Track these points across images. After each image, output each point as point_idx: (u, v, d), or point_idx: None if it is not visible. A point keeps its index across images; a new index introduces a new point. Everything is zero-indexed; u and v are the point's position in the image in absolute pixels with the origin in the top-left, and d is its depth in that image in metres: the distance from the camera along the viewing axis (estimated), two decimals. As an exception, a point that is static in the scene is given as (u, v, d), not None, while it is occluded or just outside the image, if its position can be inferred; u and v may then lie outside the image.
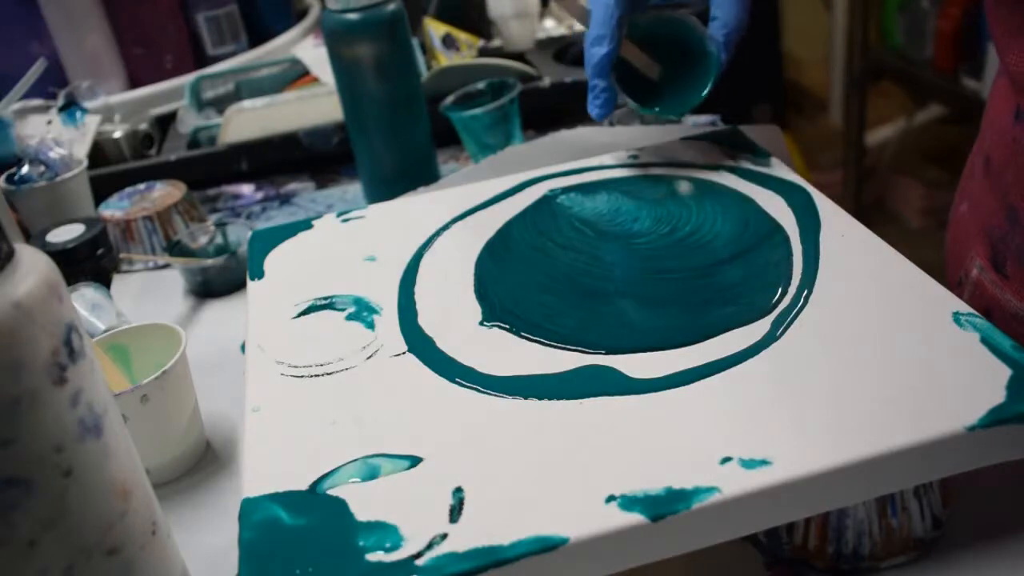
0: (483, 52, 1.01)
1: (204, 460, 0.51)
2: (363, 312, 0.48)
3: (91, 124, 0.88)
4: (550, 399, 0.39)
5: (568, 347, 0.42)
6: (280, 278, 0.52)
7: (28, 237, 0.74)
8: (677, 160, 0.58)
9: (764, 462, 0.34)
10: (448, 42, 0.97)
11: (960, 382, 0.37)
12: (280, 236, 0.57)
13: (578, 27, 1.05)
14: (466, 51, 0.98)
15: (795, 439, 0.35)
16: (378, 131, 0.72)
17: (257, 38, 1.11)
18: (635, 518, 0.33)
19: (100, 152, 0.89)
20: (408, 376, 0.42)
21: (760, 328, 0.42)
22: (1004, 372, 0.37)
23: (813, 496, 0.34)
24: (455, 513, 0.34)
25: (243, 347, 0.50)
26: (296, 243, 0.56)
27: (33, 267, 0.30)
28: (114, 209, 0.73)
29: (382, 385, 0.42)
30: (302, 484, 0.36)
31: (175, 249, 0.69)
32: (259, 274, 0.53)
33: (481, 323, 0.45)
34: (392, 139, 0.73)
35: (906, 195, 2.07)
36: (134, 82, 1.06)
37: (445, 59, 0.95)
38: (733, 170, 0.56)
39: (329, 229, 0.57)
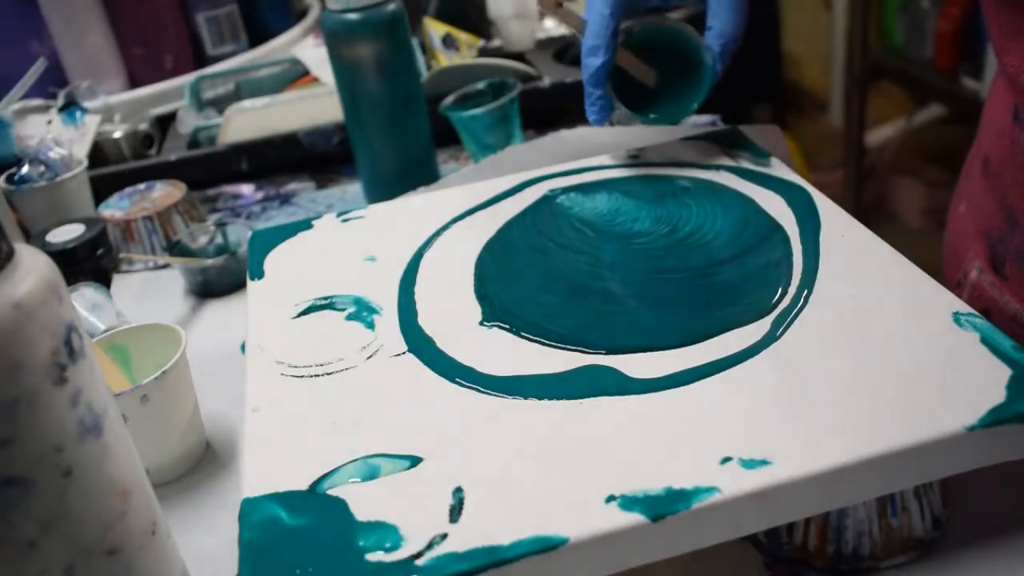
0: (483, 52, 1.01)
1: (204, 460, 0.51)
2: (363, 312, 0.48)
3: (91, 124, 0.88)
4: (550, 399, 0.39)
5: (568, 347, 0.42)
6: (280, 278, 0.52)
7: (28, 237, 0.74)
8: (677, 160, 0.58)
9: (764, 462, 0.34)
10: (448, 42, 0.97)
11: (960, 382, 0.37)
12: (280, 236, 0.57)
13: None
14: (466, 51, 0.98)
15: (795, 439, 0.35)
16: (378, 131, 0.72)
17: (257, 38, 1.11)
18: (635, 518, 0.33)
19: (100, 152, 0.89)
20: (408, 376, 0.42)
21: (760, 328, 0.42)
22: (1004, 372, 0.37)
23: (813, 496, 0.34)
24: (455, 513, 0.34)
25: (243, 347, 0.50)
26: (296, 243, 0.56)
27: (33, 267, 0.30)
28: (114, 209, 0.73)
29: (382, 385, 0.42)
30: (302, 484, 0.36)
31: (175, 249, 0.69)
32: (259, 274, 0.53)
33: (481, 323, 0.45)
34: (392, 139, 0.73)
35: (906, 195, 2.07)
36: (134, 82, 1.05)
37: (445, 59, 0.95)
38: (733, 170, 0.56)
39: (329, 229, 0.57)
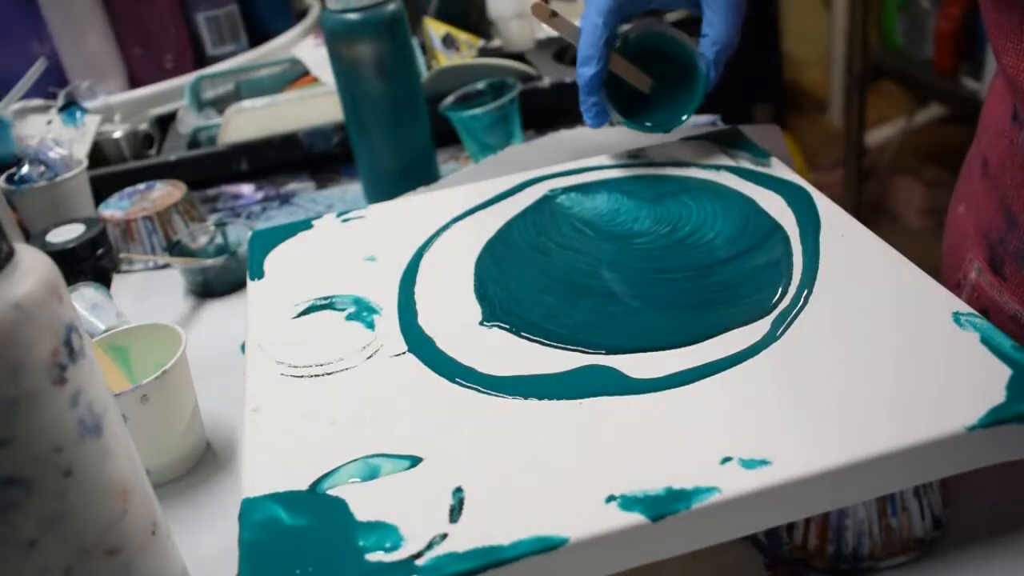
0: (483, 52, 1.01)
1: (204, 460, 0.51)
2: (363, 312, 0.48)
3: (91, 124, 0.88)
4: (550, 399, 0.39)
5: (568, 347, 0.42)
6: (280, 278, 0.52)
7: (28, 237, 0.74)
8: (677, 160, 0.58)
9: (764, 462, 0.34)
10: (448, 42, 0.97)
11: (960, 382, 0.37)
12: (280, 236, 0.57)
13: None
14: (466, 51, 0.98)
15: (795, 439, 0.35)
16: (378, 131, 0.72)
17: (257, 38, 1.11)
18: (635, 518, 0.33)
19: (100, 152, 0.89)
20: (408, 376, 0.42)
21: (760, 328, 0.42)
22: (1004, 372, 0.37)
23: (813, 496, 0.34)
24: (455, 513, 0.34)
25: (243, 347, 0.50)
26: (296, 243, 0.56)
27: (33, 267, 0.30)
28: (114, 209, 0.73)
29: (382, 385, 0.42)
30: (302, 484, 0.36)
31: (175, 249, 0.69)
32: (259, 274, 0.53)
33: (481, 323, 0.45)
34: (392, 139, 0.73)
35: (906, 195, 2.07)
36: (134, 82, 1.05)
37: (445, 59, 0.95)
38: (733, 170, 0.56)
39: (329, 229, 0.57)
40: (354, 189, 0.85)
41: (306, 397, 0.42)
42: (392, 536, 0.33)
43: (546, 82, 0.91)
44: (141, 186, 0.77)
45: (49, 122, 0.87)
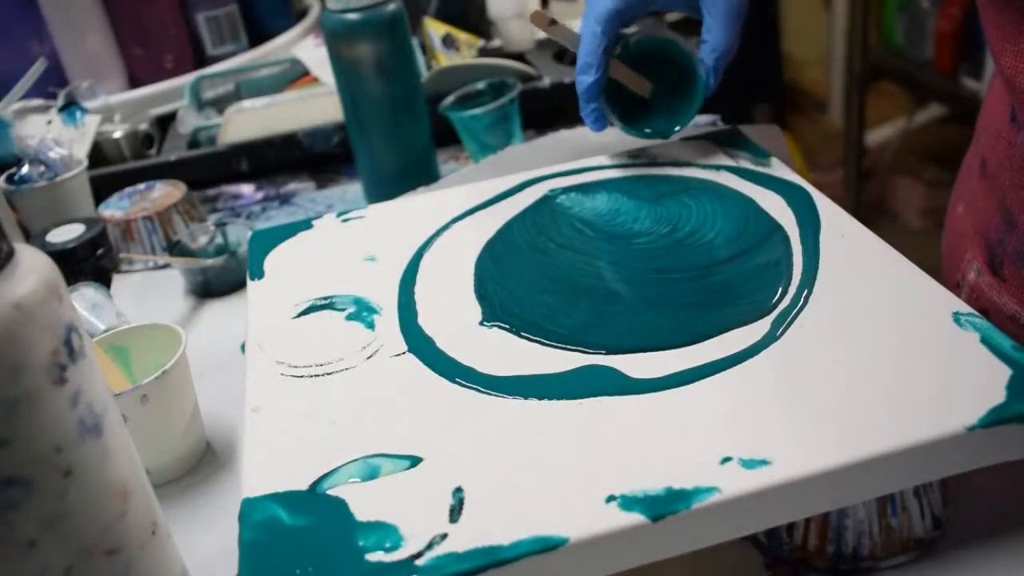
0: (483, 52, 1.01)
1: (204, 460, 0.51)
2: (363, 312, 0.48)
3: (91, 124, 0.88)
4: (550, 399, 0.39)
5: (568, 347, 0.42)
6: (280, 278, 0.52)
7: (28, 237, 0.74)
8: (677, 160, 0.59)
9: (764, 462, 0.34)
10: (448, 42, 0.97)
11: (960, 382, 0.37)
12: (280, 236, 0.57)
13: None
14: (466, 51, 0.98)
15: (795, 439, 0.35)
16: (378, 131, 0.72)
17: (257, 38, 1.11)
18: (635, 518, 0.33)
19: (100, 152, 0.89)
20: (408, 376, 0.42)
21: (760, 328, 0.42)
22: (1004, 372, 0.37)
23: (813, 496, 0.34)
24: (455, 513, 0.34)
25: (243, 347, 0.50)
26: (296, 243, 0.56)
27: (33, 267, 0.30)
28: (114, 209, 0.73)
29: (382, 385, 0.42)
30: (302, 484, 0.36)
31: (175, 249, 0.69)
32: (259, 274, 0.53)
33: (481, 323, 0.45)
34: (392, 139, 0.73)
35: (906, 195, 2.07)
36: (134, 82, 1.05)
37: (445, 59, 0.95)
38: (733, 170, 0.56)
39: (329, 229, 0.57)
40: (354, 189, 0.85)
41: (306, 397, 0.42)
42: (392, 536, 0.33)
43: (546, 82, 0.91)
44: (141, 186, 0.77)
45: (49, 122, 0.87)
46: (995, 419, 0.34)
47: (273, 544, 0.34)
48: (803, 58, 2.44)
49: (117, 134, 0.90)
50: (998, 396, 0.35)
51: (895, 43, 1.93)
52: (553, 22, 0.56)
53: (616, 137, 0.60)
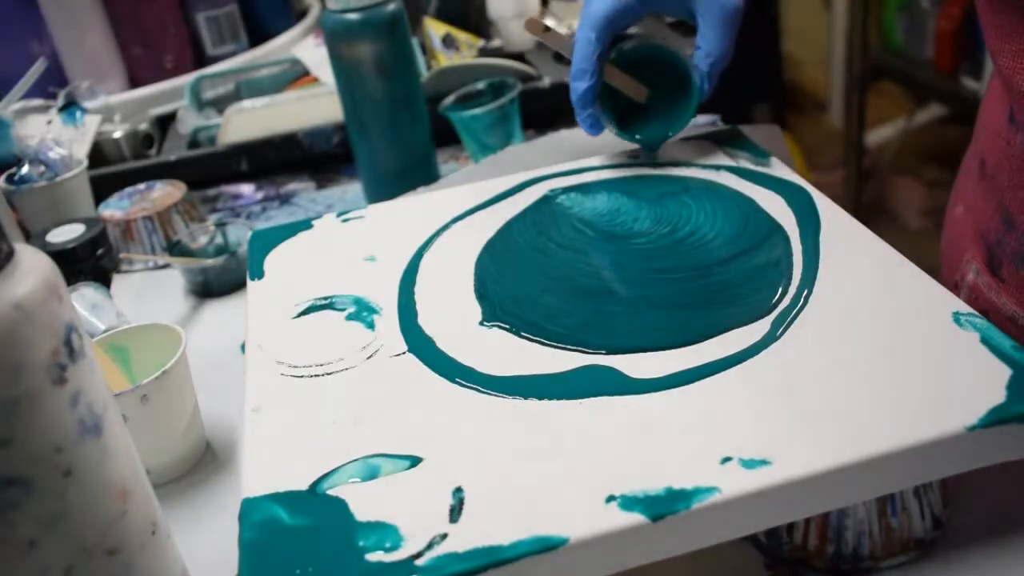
0: (483, 52, 1.01)
1: (204, 460, 0.51)
2: (363, 312, 0.48)
3: (91, 124, 0.88)
4: (550, 399, 0.39)
5: (568, 347, 0.42)
6: (280, 278, 0.52)
7: (28, 237, 0.74)
8: (677, 160, 0.59)
9: (764, 462, 0.34)
10: (448, 42, 0.97)
11: (960, 382, 0.37)
12: (280, 236, 0.57)
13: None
14: (466, 51, 0.98)
15: (795, 439, 0.35)
16: (378, 131, 0.72)
17: (257, 38, 1.11)
18: (635, 518, 0.33)
19: (100, 152, 0.89)
20: (408, 376, 0.42)
21: (760, 328, 0.42)
22: (1004, 372, 0.37)
23: (813, 496, 0.34)
24: (455, 513, 0.34)
25: (243, 347, 0.50)
26: (296, 243, 0.56)
27: (33, 267, 0.30)
28: (114, 209, 0.73)
29: (382, 385, 0.42)
30: (302, 484, 0.36)
31: (175, 249, 0.69)
32: (259, 274, 0.53)
33: (481, 323, 0.45)
34: (392, 139, 0.73)
35: (906, 195, 2.07)
36: (134, 82, 1.05)
37: (445, 59, 0.95)
38: (733, 170, 0.56)
39: (329, 229, 0.57)
40: (354, 189, 0.85)
41: (306, 397, 0.42)
42: (392, 536, 0.33)
43: (546, 82, 0.91)
44: (141, 186, 0.77)
45: (49, 122, 0.87)
46: (995, 419, 0.34)
47: (273, 544, 0.34)
48: (803, 58, 2.44)
49: (117, 134, 0.90)
50: (998, 396, 0.35)
51: (895, 43, 1.93)
52: (547, 29, 0.57)
53: (616, 138, 0.60)
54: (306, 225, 0.58)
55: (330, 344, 0.45)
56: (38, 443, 0.30)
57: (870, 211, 2.09)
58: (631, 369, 0.40)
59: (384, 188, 0.73)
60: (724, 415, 0.37)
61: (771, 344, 0.41)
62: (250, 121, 0.93)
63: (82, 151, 0.83)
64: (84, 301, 0.58)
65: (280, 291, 0.51)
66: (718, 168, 0.57)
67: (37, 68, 0.79)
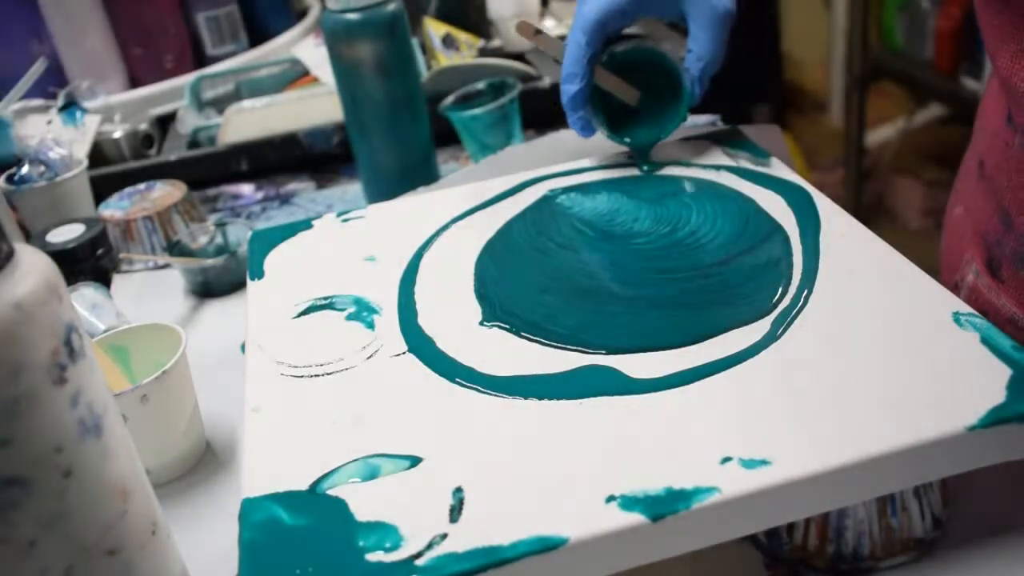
0: (483, 52, 1.01)
1: (204, 460, 0.51)
2: (363, 312, 0.48)
3: (91, 124, 0.88)
4: (550, 399, 0.39)
5: (568, 347, 0.42)
6: (280, 278, 0.52)
7: (28, 237, 0.74)
8: (677, 160, 0.58)
9: (764, 462, 0.34)
10: (448, 42, 0.97)
11: (960, 382, 0.37)
12: (280, 236, 0.57)
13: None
14: (466, 51, 0.98)
15: (795, 439, 0.35)
16: (378, 131, 0.72)
17: (257, 38, 1.11)
18: (635, 518, 0.33)
19: (100, 152, 0.89)
20: (408, 376, 0.42)
21: (760, 328, 0.42)
22: (1004, 372, 0.37)
23: (813, 496, 0.34)
24: (455, 513, 0.34)
25: (243, 347, 0.50)
26: (296, 243, 0.56)
27: (33, 267, 0.30)
28: (114, 209, 0.73)
29: (382, 385, 0.42)
30: (302, 484, 0.36)
31: (175, 249, 0.69)
32: (259, 274, 0.53)
33: (481, 323, 0.45)
34: (392, 139, 0.73)
35: (906, 195, 2.07)
36: (134, 82, 1.05)
37: (445, 59, 0.95)
38: (733, 170, 0.56)
39: (329, 229, 0.57)
40: (354, 189, 0.85)
41: (306, 397, 0.42)
42: (392, 536, 0.33)
43: (546, 82, 0.91)
44: (141, 186, 0.77)
45: (49, 122, 0.87)
46: (995, 419, 0.34)
47: (273, 544, 0.34)
48: (803, 58, 2.44)
49: (117, 134, 0.90)
50: (998, 396, 0.35)
51: (895, 43, 1.93)
52: (538, 32, 0.57)
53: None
54: (306, 225, 0.58)
55: (330, 344, 0.45)
56: (38, 443, 0.30)
57: (870, 211, 2.09)
58: (631, 369, 0.40)
59: (384, 188, 0.73)
60: (724, 415, 0.37)
61: (771, 344, 0.41)
62: (250, 121, 0.93)
63: (82, 151, 0.83)
64: (84, 301, 0.58)
65: (280, 291, 0.51)
66: (718, 168, 0.57)
67: (37, 68, 0.79)
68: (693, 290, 0.45)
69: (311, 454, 0.38)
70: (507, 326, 0.45)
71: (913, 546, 0.38)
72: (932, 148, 2.10)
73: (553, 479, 0.35)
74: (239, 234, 0.71)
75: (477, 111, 0.77)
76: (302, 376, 0.43)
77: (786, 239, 0.48)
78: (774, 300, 0.44)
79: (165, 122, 0.99)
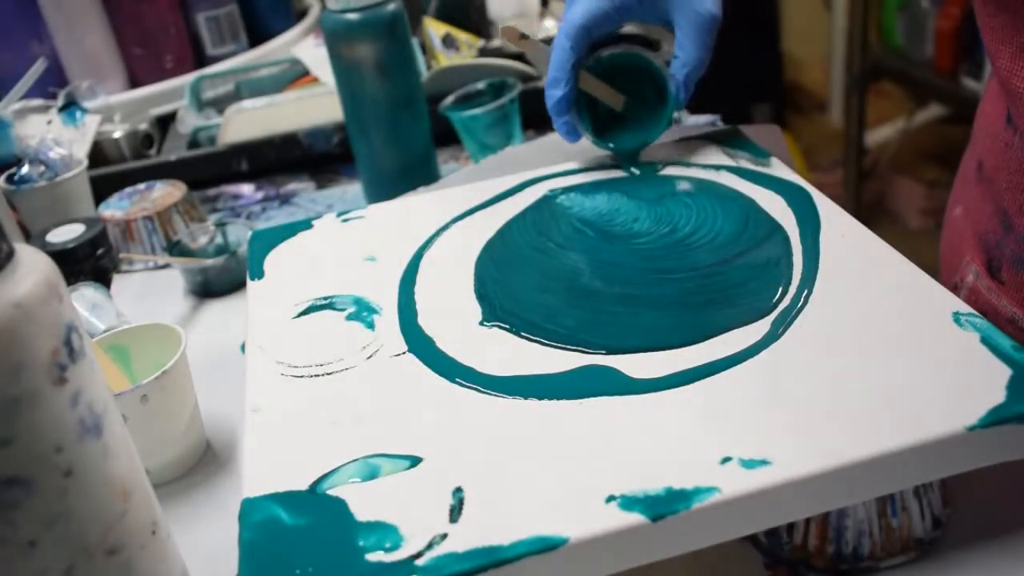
0: (483, 52, 1.01)
1: (204, 460, 0.51)
2: (363, 312, 0.48)
3: (91, 124, 0.88)
4: (550, 399, 0.39)
5: (568, 347, 0.42)
6: (280, 278, 0.52)
7: (28, 237, 0.74)
8: (677, 160, 0.58)
9: (764, 462, 0.34)
10: (448, 42, 0.97)
11: (960, 382, 0.37)
12: (280, 236, 0.57)
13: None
14: (466, 51, 0.98)
15: (795, 439, 0.35)
16: (378, 131, 0.72)
17: (257, 38, 1.11)
18: (635, 518, 0.33)
19: (100, 152, 0.89)
20: (408, 376, 0.42)
21: (760, 328, 0.42)
22: (1004, 372, 0.37)
23: (813, 496, 0.34)
24: (455, 513, 0.34)
25: (243, 347, 0.50)
26: (296, 243, 0.56)
27: (33, 267, 0.30)
28: (114, 209, 0.73)
29: (382, 385, 0.42)
30: (302, 484, 0.36)
31: (175, 249, 0.69)
32: (259, 274, 0.53)
33: (481, 323, 0.45)
34: (392, 139, 0.73)
35: (906, 195, 2.07)
36: (134, 82, 1.05)
37: (445, 59, 0.95)
38: (733, 170, 0.56)
39: (329, 229, 0.57)
40: (354, 189, 0.85)
41: (306, 397, 0.42)
42: (392, 536, 0.33)
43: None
44: (141, 186, 0.77)
45: (49, 122, 0.87)
46: (995, 419, 0.34)
47: (273, 544, 0.34)
48: (803, 58, 2.44)
49: (117, 134, 0.90)
50: (998, 396, 0.35)
51: (895, 43, 1.93)
52: (523, 36, 0.57)
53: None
54: (306, 225, 0.58)
55: (330, 344, 0.45)
56: (38, 443, 0.30)
57: (870, 211, 2.09)
58: (631, 369, 0.40)
59: (384, 188, 0.73)
60: (724, 415, 0.37)
61: (771, 344, 0.41)
62: (250, 121, 0.93)
63: (82, 151, 0.83)
64: (84, 301, 0.58)
65: (280, 291, 0.51)
66: (718, 168, 0.57)
67: (37, 68, 0.79)
68: (693, 290, 0.45)
69: (311, 454, 0.38)
70: (507, 326, 0.45)
71: (913, 546, 0.38)
72: (932, 148, 2.10)
73: (553, 479, 0.35)
74: (239, 234, 0.71)
75: (477, 111, 0.77)
76: (302, 376, 0.43)
77: (786, 239, 0.49)
78: (774, 300, 0.44)
79: (165, 122, 0.99)
